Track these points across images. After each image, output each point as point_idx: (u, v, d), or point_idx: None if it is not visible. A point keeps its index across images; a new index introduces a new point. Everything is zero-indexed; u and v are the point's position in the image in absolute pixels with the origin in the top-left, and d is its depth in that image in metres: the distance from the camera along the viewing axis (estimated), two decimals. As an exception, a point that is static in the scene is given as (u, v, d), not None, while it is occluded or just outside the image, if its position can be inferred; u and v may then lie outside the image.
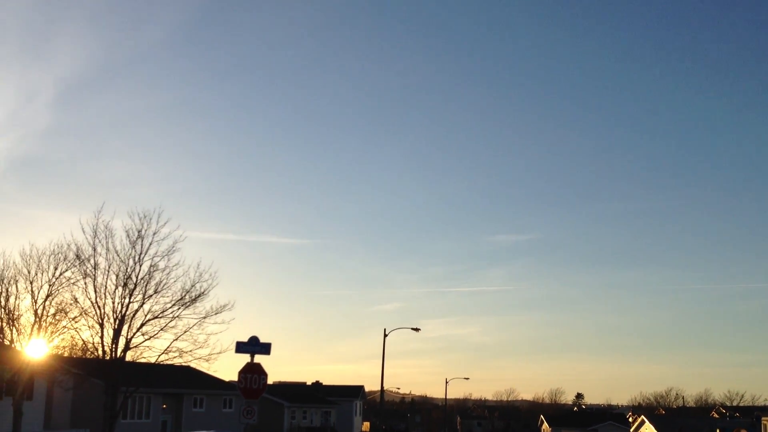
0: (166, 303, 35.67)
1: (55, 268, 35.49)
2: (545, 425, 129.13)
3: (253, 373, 20.19)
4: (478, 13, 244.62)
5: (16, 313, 35.80)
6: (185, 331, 35.66)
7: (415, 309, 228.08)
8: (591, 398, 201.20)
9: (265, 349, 20.56)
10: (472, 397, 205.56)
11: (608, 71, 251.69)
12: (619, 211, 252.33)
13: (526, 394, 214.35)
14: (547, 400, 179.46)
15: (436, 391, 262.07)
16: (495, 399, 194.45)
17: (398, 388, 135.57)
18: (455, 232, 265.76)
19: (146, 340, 35.70)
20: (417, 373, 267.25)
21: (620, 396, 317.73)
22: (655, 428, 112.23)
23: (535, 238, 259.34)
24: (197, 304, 35.82)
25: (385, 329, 54.18)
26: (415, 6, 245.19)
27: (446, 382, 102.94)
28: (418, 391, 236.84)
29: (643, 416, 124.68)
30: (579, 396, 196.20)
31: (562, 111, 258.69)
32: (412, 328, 57.74)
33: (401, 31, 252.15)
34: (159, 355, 36.07)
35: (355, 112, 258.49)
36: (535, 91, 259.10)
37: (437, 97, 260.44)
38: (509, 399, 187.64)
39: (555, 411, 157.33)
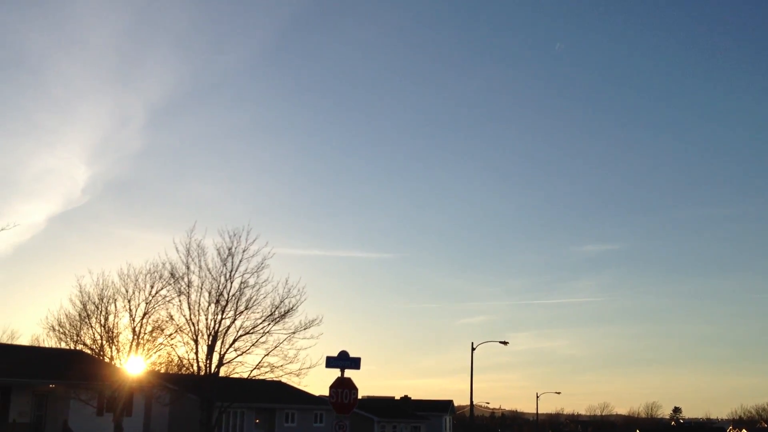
0: (256, 319, 36.41)
1: (152, 287, 36.68)
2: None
3: (344, 387, 20.27)
4: (560, 21, 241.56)
5: (116, 331, 37.13)
6: (276, 347, 36.29)
7: (502, 322, 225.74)
8: (689, 412, 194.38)
9: (355, 363, 20.60)
10: (564, 412, 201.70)
11: (699, 73, 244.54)
12: (709, 216, 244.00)
13: (621, 408, 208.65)
14: (642, 415, 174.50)
15: (526, 406, 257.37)
16: (588, 414, 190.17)
17: (488, 403, 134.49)
18: (541, 243, 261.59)
19: (238, 355, 36.49)
20: (506, 387, 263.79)
21: (720, 409, 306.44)
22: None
23: (623, 248, 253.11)
24: (286, 319, 36.42)
25: (472, 343, 53.76)
26: (492, 18, 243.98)
27: (537, 397, 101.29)
28: (508, 405, 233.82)
29: (744, 430, 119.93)
30: (677, 410, 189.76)
31: (647, 114, 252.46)
32: (500, 342, 57.11)
33: (480, 43, 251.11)
34: (251, 371, 36.74)
35: (436, 124, 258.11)
36: (618, 96, 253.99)
37: (519, 107, 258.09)
38: (603, 413, 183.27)
39: (652, 426, 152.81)
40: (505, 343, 57.02)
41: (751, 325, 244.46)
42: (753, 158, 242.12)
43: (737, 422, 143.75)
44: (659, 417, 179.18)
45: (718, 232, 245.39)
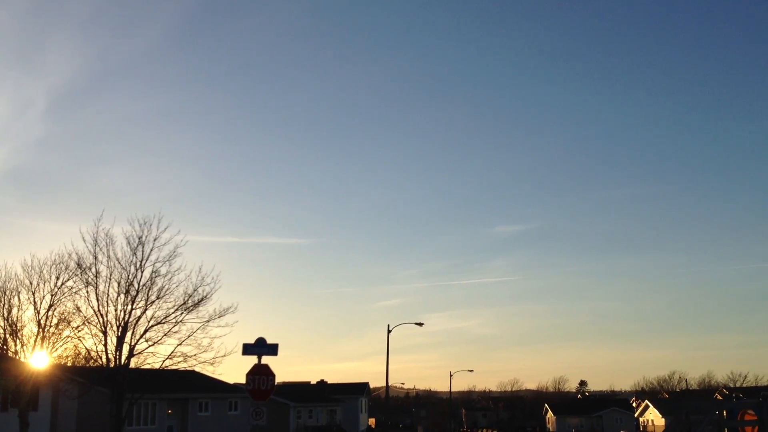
0: (168, 308, 35.51)
1: (57, 278, 35.32)
2: (550, 414, 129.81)
3: (261, 374, 20.09)
4: (473, 13, 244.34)
5: (19, 324, 35.71)
6: (189, 336, 35.56)
7: (418, 304, 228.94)
8: (594, 385, 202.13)
9: (272, 350, 20.43)
10: (477, 389, 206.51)
11: (605, 62, 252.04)
12: (618, 198, 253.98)
13: (530, 383, 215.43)
14: (551, 389, 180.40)
15: (440, 385, 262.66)
16: (499, 390, 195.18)
17: (403, 384, 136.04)
18: (454, 226, 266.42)
19: (150, 346, 35.52)
20: (421, 368, 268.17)
21: (623, 382, 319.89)
22: (659, 412, 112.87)
23: (535, 228, 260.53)
24: (200, 308, 35.67)
25: (388, 325, 54.47)
26: (407, 5, 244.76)
27: (450, 375, 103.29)
28: (422, 385, 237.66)
29: (647, 401, 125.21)
30: (582, 383, 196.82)
31: (557, 99, 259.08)
32: (416, 323, 57.80)
33: (397, 29, 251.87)
34: (163, 361, 35.91)
35: (352, 111, 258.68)
36: (527, 82, 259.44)
37: (433, 95, 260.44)
38: (513, 389, 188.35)
39: (559, 399, 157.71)
40: (420, 324, 57.74)
41: (653, 300, 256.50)
42: (658, 142, 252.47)
43: (640, 393, 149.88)
44: (566, 390, 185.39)
45: (625, 213, 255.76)
